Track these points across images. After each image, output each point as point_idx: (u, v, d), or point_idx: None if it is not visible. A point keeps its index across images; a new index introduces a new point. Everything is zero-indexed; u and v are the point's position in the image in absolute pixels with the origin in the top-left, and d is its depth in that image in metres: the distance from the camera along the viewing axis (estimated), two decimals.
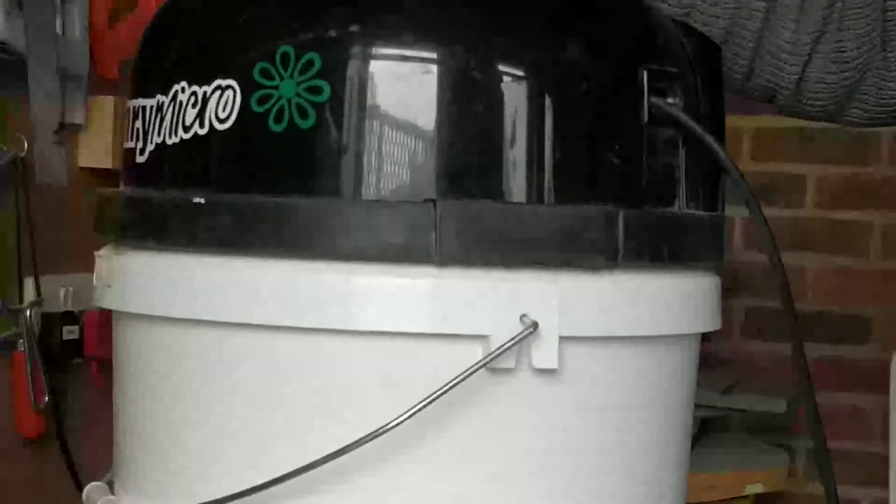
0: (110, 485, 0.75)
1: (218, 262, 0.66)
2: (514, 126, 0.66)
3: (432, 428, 0.65)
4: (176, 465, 0.69)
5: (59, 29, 1.55)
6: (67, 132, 1.60)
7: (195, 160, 0.68)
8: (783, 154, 2.82)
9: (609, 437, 0.69)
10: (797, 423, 2.71)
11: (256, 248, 0.65)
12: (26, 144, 1.54)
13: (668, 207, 0.70)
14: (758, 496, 2.33)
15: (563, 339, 0.65)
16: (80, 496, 0.75)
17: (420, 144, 0.65)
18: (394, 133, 0.65)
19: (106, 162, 1.64)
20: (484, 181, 0.66)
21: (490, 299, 0.65)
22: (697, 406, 0.76)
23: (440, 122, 0.65)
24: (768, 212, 0.72)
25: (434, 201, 0.64)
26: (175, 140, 0.69)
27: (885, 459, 1.87)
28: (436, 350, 0.65)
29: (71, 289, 1.61)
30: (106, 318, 0.99)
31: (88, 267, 0.75)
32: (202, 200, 0.67)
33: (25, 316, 1.52)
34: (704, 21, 0.89)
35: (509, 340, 0.64)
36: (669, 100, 0.69)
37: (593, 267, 0.66)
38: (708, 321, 0.73)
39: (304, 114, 0.65)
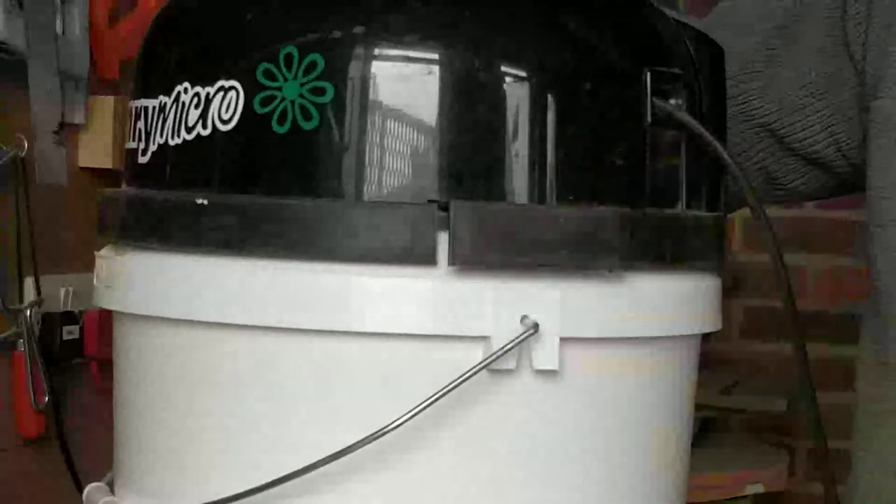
0: (111, 485, 0.75)
1: (220, 263, 0.66)
2: (517, 127, 0.66)
3: (433, 429, 0.65)
4: (177, 466, 0.69)
5: (59, 29, 1.55)
6: (67, 132, 1.60)
7: (198, 161, 0.68)
8: None
9: (610, 437, 0.69)
10: (797, 423, 2.71)
11: (259, 250, 0.65)
12: (26, 144, 1.54)
13: (670, 209, 0.70)
14: (758, 496, 2.33)
15: (564, 340, 0.65)
16: (80, 496, 0.75)
17: (424, 145, 0.65)
18: (398, 134, 0.65)
19: (106, 162, 1.64)
20: (487, 182, 0.66)
21: (491, 301, 0.64)
22: (697, 406, 0.76)
23: (444, 123, 0.65)
24: (769, 212, 0.72)
25: (441, 202, 0.64)
26: (177, 141, 0.69)
27: None
28: (437, 351, 0.65)
29: (71, 289, 1.61)
30: (106, 318, 0.99)
31: (88, 267, 0.75)
32: (204, 201, 0.67)
33: (25, 316, 1.52)
34: None
35: (510, 342, 0.64)
36: (672, 101, 0.69)
37: (595, 268, 0.66)
38: (709, 322, 0.73)
39: (307, 115, 0.65)
